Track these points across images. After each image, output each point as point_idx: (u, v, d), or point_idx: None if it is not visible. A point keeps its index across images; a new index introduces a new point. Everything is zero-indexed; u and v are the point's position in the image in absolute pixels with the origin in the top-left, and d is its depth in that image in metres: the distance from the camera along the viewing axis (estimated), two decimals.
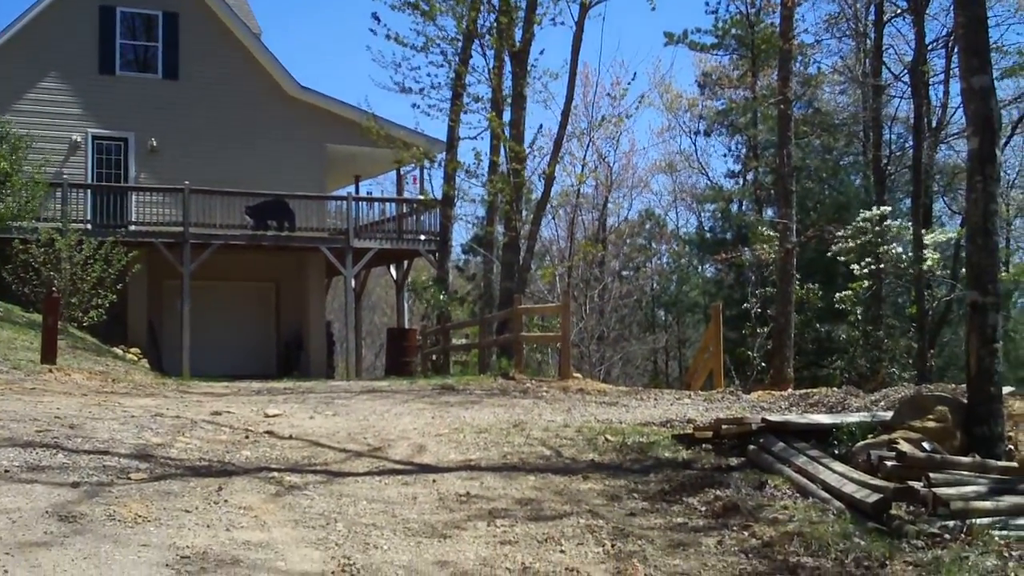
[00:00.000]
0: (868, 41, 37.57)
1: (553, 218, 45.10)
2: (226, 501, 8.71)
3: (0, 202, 23.40)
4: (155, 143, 32.73)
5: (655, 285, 58.54)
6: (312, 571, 7.17)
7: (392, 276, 37.38)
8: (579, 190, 38.08)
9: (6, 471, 9.16)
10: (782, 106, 26.48)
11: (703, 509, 9.22)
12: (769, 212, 46.85)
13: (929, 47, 32.18)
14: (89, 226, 28.19)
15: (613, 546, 8.00)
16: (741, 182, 55.85)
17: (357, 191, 38.55)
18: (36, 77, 31.89)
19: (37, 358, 17.78)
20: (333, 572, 7.16)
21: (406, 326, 34.72)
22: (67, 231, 24.27)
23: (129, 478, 9.24)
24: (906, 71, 33.54)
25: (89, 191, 30.43)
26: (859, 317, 28.60)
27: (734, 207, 54.64)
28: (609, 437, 11.92)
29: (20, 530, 7.56)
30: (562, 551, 7.90)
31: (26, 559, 6.97)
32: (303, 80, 35.23)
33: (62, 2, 32.23)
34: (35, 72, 31.86)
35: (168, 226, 30.20)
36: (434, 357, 30.39)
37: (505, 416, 13.88)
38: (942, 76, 36.75)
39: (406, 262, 35.70)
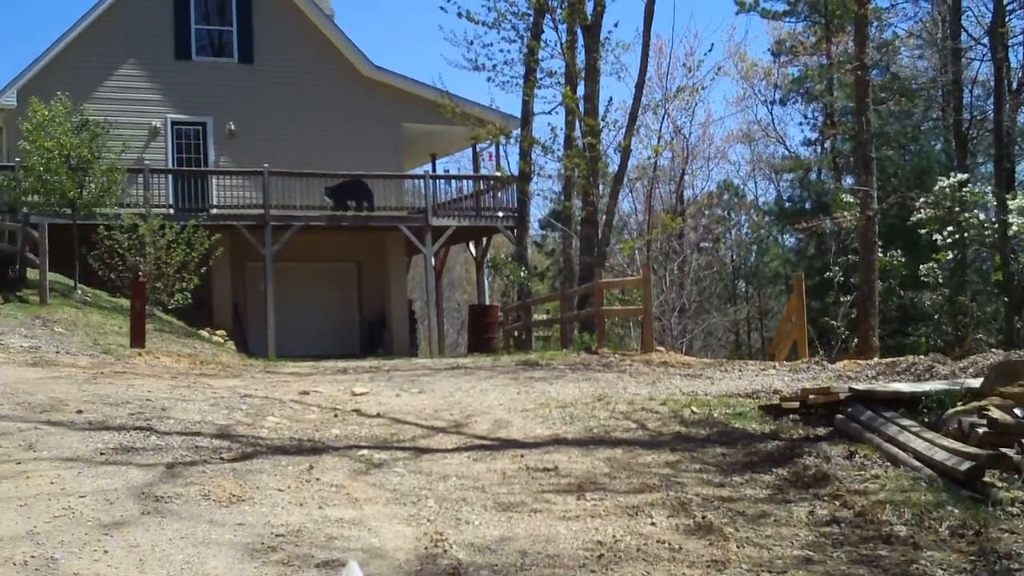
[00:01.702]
0: (946, 4, 36.97)
1: (630, 191, 45.01)
2: (317, 479, 8.81)
3: (83, 189, 23.67)
4: (233, 127, 33.01)
5: (735, 256, 58.21)
6: (405, 547, 7.23)
7: (471, 253, 37.44)
8: (656, 162, 37.96)
9: (101, 453, 9.34)
10: (859, 72, 26.10)
11: (792, 479, 9.18)
12: (848, 180, 46.36)
13: (1008, 8, 31.59)
14: (171, 211, 28.46)
15: (703, 517, 8.00)
16: (819, 150, 55.28)
17: (434, 169, 38.62)
18: (114, 64, 32.25)
19: (126, 342, 18.04)
20: (426, 548, 7.22)
21: (487, 303, 34.74)
22: (150, 216, 24.53)
23: (221, 458, 9.38)
24: (985, 34, 32.96)
25: (170, 176, 30.72)
26: (939, 283, 28.23)
27: (813, 175, 54.13)
28: (695, 409, 11.91)
29: (117, 510, 7.71)
30: (652, 523, 7.91)
31: (124, 539, 7.10)
32: (377, 60, 35.34)
33: None
34: (113, 59, 32.23)
35: (249, 209, 30.44)
36: (516, 333, 30.44)
37: (589, 390, 13.90)
38: (1022, 38, 36.09)
39: (485, 239, 35.72)
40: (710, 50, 69.39)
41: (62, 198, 23.45)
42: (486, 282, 35.83)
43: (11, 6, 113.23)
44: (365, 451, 9.89)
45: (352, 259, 34.87)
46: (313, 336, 32.26)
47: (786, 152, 57.22)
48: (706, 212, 55.70)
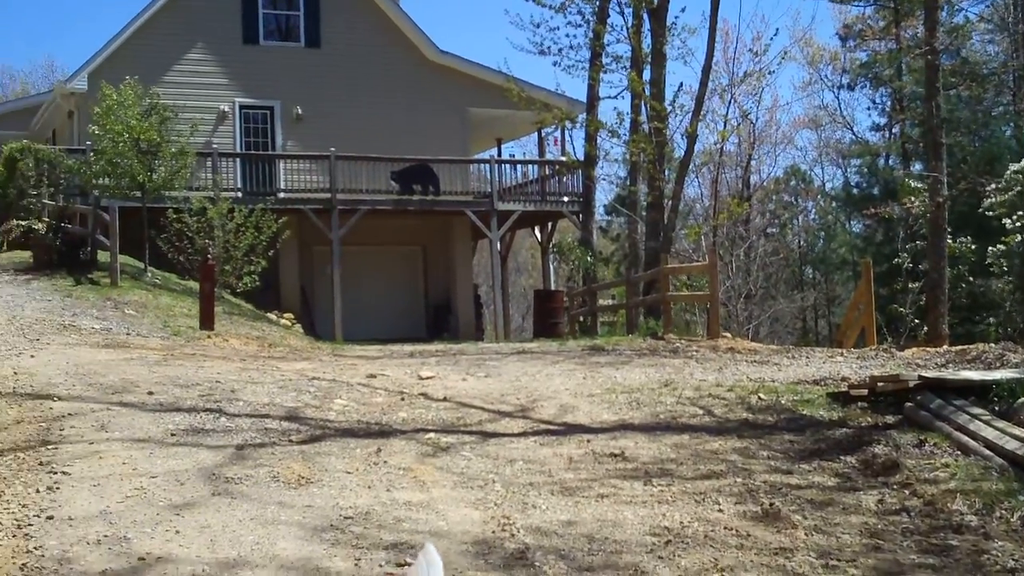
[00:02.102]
0: None
1: (696, 176, 44.74)
2: (385, 462, 8.87)
3: (152, 172, 23.87)
4: (300, 111, 33.19)
5: (802, 242, 57.80)
6: (473, 531, 7.27)
7: (537, 238, 37.42)
8: (722, 147, 37.72)
9: (172, 434, 9.46)
10: (929, 56, 25.79)
11: (861, 467, 9.14)
12: (917, 166, 45.85)
13: None
14: (239, 194, 28.68)
15: (771, 504, 7.98)
16: (887, 136, 54.72)
17: (499, 154, 38.62)
18: (183, 49, 32.52)
19: (196, 324, 18.22)
20: (494, 532, 7.25)
21: (552, 288, 34.71)
22: (218, 199, 24.73)
23: (290, 440, 9.47)
24: None
25: (238, 160, 30.94)
26: (1004, 270, 27.83)
27: (881, 161, 53.59)
28: (762, 396, 11.86)
29: (188, 491, 7.81)
30: (720, 509, 7.90)
31: (195, 520, 7.20)
32: (443, 45, 35.39)
33: None
34: (182, 44, 32.50)
35: (316, 192, 30.60)
36: (581, 318, 30.39)
37: (656, 376, 13.87)
38: None
39: (550, 224, 35.68)
40: (775, 35, 68.90)
41: (132, 181, 23.67)
42: (551, 267, 35.80)
43: None
44: (432, 434, 9.94)
45: (418, 243, 34.98)
46: (379, 320, 32.41)
47: (854, 138, 56.72)
48: (772, 197, 55.38)
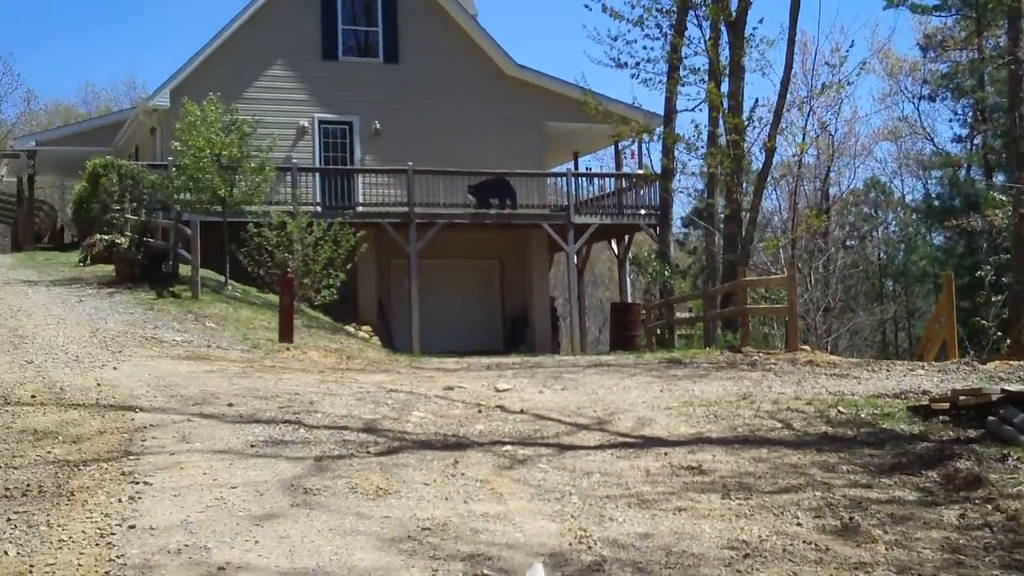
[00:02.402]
0: None
1: (774, 189, 44.40)
2: (462, 474, 8.89)
3: (233, 187, 24.14)
4: (378, 126, 33.43)
5: (882, 255, 57.24)
6: (549, 543, 7.26)
7: (613, 251, 37.35)
8: (800, 160, 37.37)
9: (252, 446, 9.55)
10: (1012, 66, 25.50)
11: (942, 482, 9.01)
12: (1000, 177, 45.30)
13: None
14: (318, 208, 28.91)
15: (850, 519, 7.89)
16: (969, 147, 54.08)
17: (576, 167, 38.65)
18: (263, 65, 32.90)
19: (275, 337, 18.39)
20: (570, 544, 7.24)
21: (629, 300, 34.65)
22: (298, 213, 24.93)
23: (367, 452, 9.52)
24: None
25: (317, 174, 31.20)
26: None
27: (962, 173, 52.97)
28: (841, 409, 11.75)
29: (267, 502, 7.88)
30: (798, 523, 7.83)
31: (274, 530, 7.26)
32: (520, 59, 35.50)
33: None
34: (262, 60, 32.88)
35: (394, 206, 30.77)
36: (658, 331, 30.29)
37: (733, 389, 13.79)
38: None
39: (627, 237, 35.61)
40: (852, 46, 68.20)
41: (213, 196, 23.95)
42: (628, 280, 35.73)
43: (167, 9, 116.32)
44: (509, 447, 9.95)
45: (495, 256, 35.07)
46: (456, 332, 32.52)
47: (934, 149, 56.14)
48: (852, 210, 54.86)
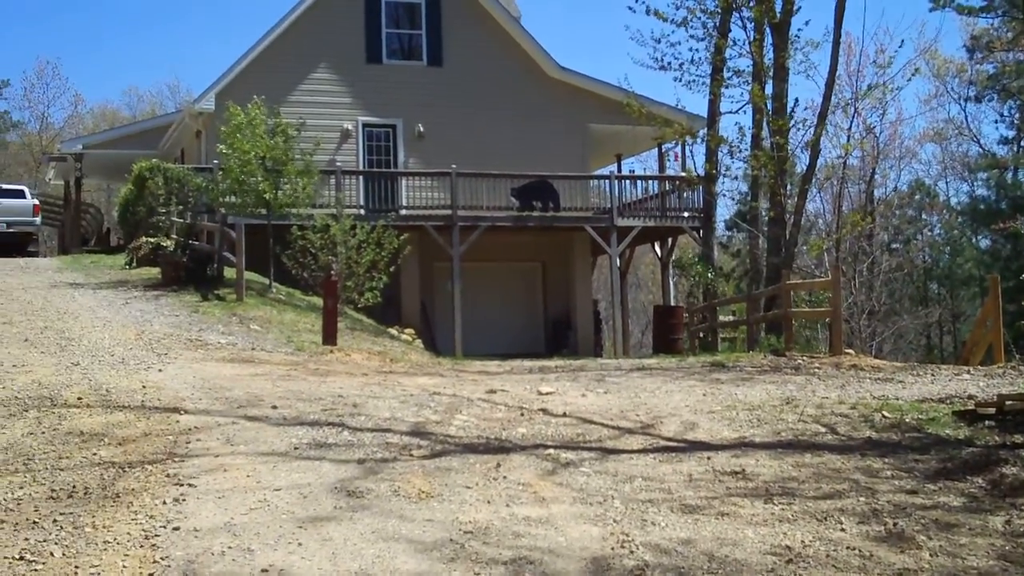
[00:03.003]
0: None
1: (818, 191, 44.20)
2: (505, 477, 8.90)
3: (278, 190, 24.26)
4: (422, 128, 33.54)
5: (926, 257, 56.89)
6: (592, 547, 7.26)
7: (656, 254, 37.29)
8: (845, 162, 37.19)
9: (295, 448, 9.60)
10: None
11: (988, 488, 8.94)
12: None
13: None
14: (362, 211, 29.03)
15: (895, 524, 7.85)
16: (1016, 149, 53.66)
17: (619, 170, 38.64)
18: (307, 69, 33.08)
19: (319, 340, 18.46)
20: (612, 549, 7.24)
21: (672, 304, 34.58)
22: (341, 216, 25.02)
23: (411, 455, 9.55)
24: None
25: (361, 177, 31.33)
26: None
27: (1009, 175, 52.56)
28: (886, 414, 11.68)
29: (311, 504, 7.92)
30: (842, 529, 7.80)
31: (317, 532, 7.30)
32: (562, 61, 35.52)
33: None
34: (306, 64, 33.06)
35: (437, 209, 30.85)
36: (701, 334, 30.23)
37: (777, 393, 13.74)
38: None
39: (670, 239, 35.53)
40: (901, 46, 67.73)
41: (258, 199, 24.08)
42: (671, 283, 35.64)
43: (209, 13, 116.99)
44: (552, 450, 9.95)
45: (538, 259, 35.10)
46: (499, 335, 32.57)
47: (980, 151, 55.74)
48: (896, 212, 54.57)
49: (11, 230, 34.60)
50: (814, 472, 9.40)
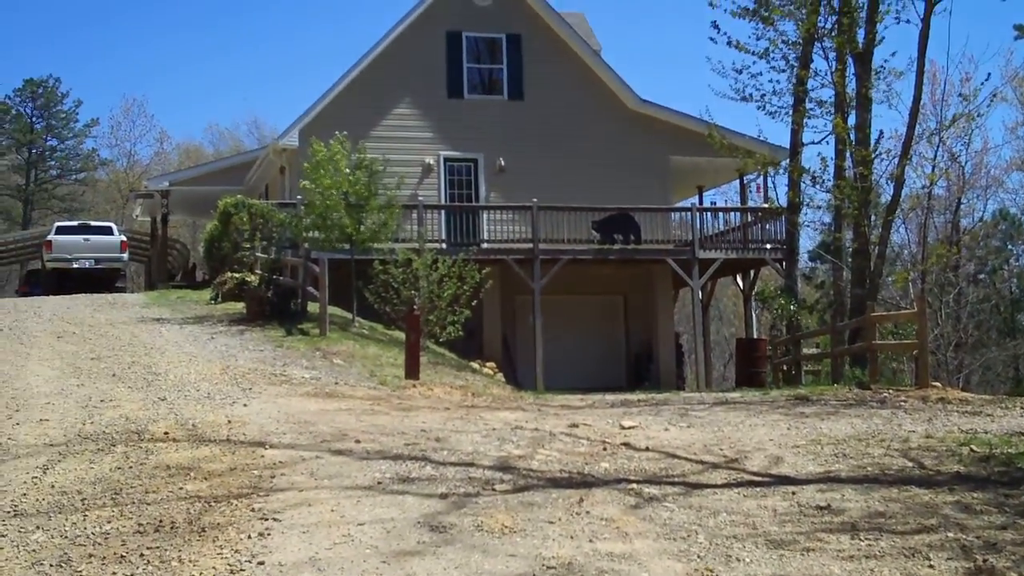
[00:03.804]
0: None
1: (903, 221, 43.81)
2: (587, 512, 8.87)
3: (360, 225, 24.43)
4: (503, 162, 33.68)
5: (1014, 288, 56.00)
6: None
7: (738, 286, 37.08)
8: (930, 192, 36.84)
9: (379, 483, 9.63)
10: None
11: None
12: None
13: None
14: (443, 245, 29.16)
15: (984, 560, 7.72)
16: None
17: (701, 201, 38.54)
18: (390, 104, 33.39)
19: (401, 374, 18.52)
20: None
21: (755, 336, 34.36)
22: (423, 251, 25.12)
23: (493, 489, 9.54)
24: None
25: (443, 212, 31.50)
26: None
27: None
28: (974, 448, 11.52)
29: (394, 539, 7.94)
30: (931, 565, 7.68)
31: (401, 567, 7.31)
32: (642, 93, 35.54)
33: (411, 31, 33.66)
34: (388, 100, 33.38)
35: (518, 243, 30.89)
36: (784, 367, 29.99)
37: (862, 427, 13.59)
38: None
39: (752, 271, 35.33)
40: (987, 79, 66.88)
41: (341, 234, 24.27)
42: (754, 315, 35.41)
43: (293, 51, 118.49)
44: (635, 485, 9.90)
45: (619, 292, 35.03)
46: (580, 369, 32.52)
47: None
48: (982, 242, 53.81)
49: (100, 266, 35.23)
50: (901, 507, 9.28)
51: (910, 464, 10.98)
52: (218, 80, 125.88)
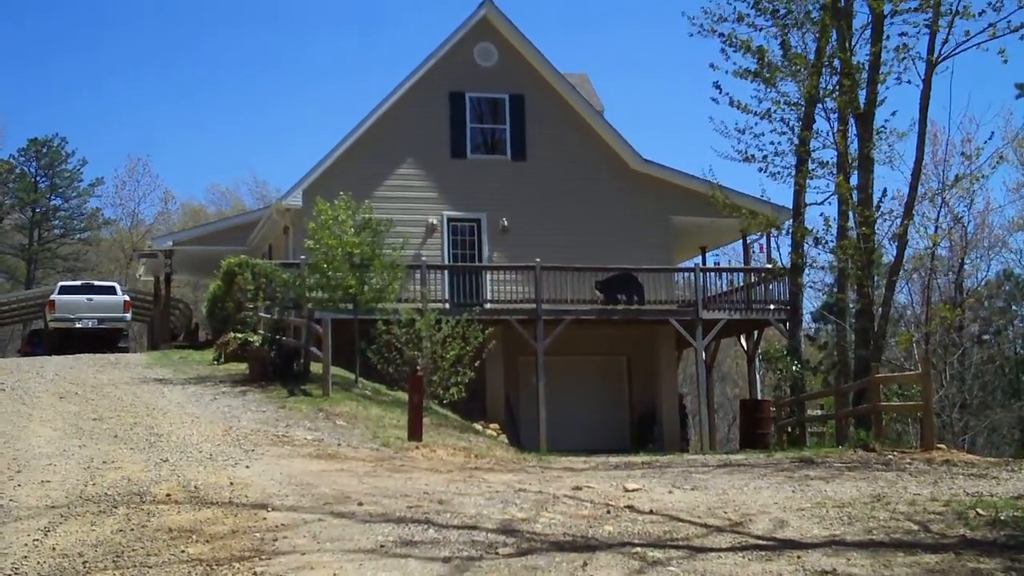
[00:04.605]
0: None
1: (907, 282, 43.83)
2: None
3: (364, 285, 24.43)
4: (506, 222, 33.75)
5: (1018, 349, 55.90)
6: None
7: (742, 346, 37.04)
8: (933, 252, 36.85)
9: (381, 546, 9.58)
10: None
11: None
12: None
13: None
14: (446, 305, 29.15)
15: None
16: None
17: (704, 262, 38.58)
18: (393, 165, 33.52)
19: (404, 435, 18.47)
20: None
21: (759, 397, 34.27)
22: (426, 311, 25.11)
23: (497, 553, 9.49)
24: None
25: (446, 272, 31.50)
26: None
27: None
28: (980, 511, 11.46)
29: None
30: None
31: None
32: (645, 152, 35.67)
33: (414, 91, 33.84)
34: (392, 160, 33.51)
35: (521, 303, 30.90)
36: (789, 429, 29.89)
37: (868, 489, 13.53)
38: None
39: (756, 332, 35.30)
40: (990, 138, 66.91)
41: (344, 294, 24.27)
42: (757, 376, 35.34)
43: (296, 111, 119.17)
44: (639, 548, 9.84)
45: (622, 353, 34.97)
46: (583, 430, 32.41)
47: None
48: (986, 303, 53.79)
49: (103, 326, 35.27)
50: (907, 572, 9.21)
51: (916, 527, 10.92)
52: (221, 140, 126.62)
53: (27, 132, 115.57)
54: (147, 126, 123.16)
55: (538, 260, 30.58)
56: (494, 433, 25.52)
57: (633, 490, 13.35)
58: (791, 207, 30.66)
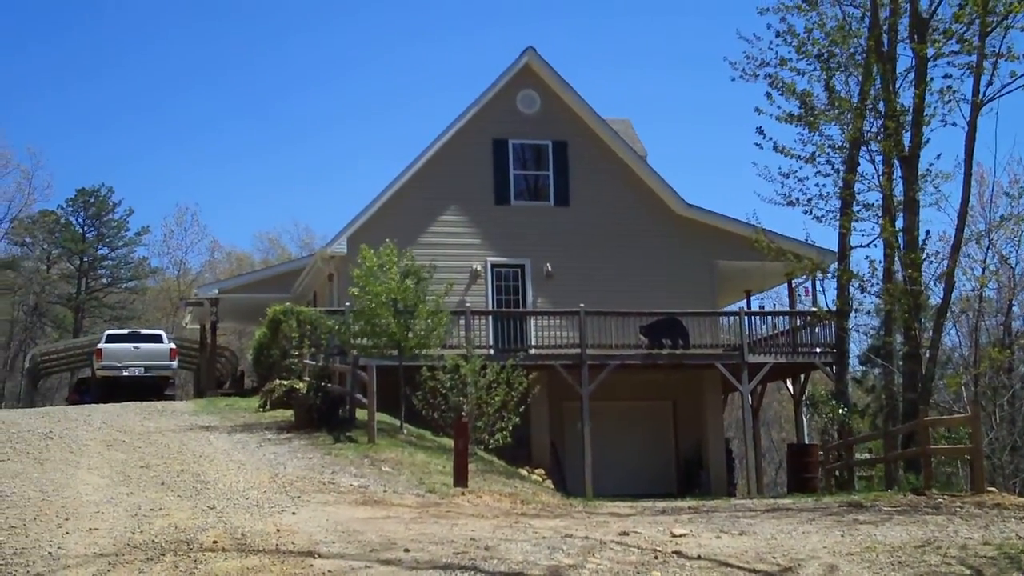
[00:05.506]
0: None
1: (954, 324, 43.50)
2: None
3: (409, 331, 24.50)
4: (550, 268, 33.79)
5: None
6: None
7: (788, 390, 36.82)
8: (980, 294, 36.59)
9: None
10: None
11: None
12: None
13: None
14: (491, 351, 29.16)
15: None
16: None
17: (749, 305, 38.45)
18: (437, 211, 33.68)
19: (449, 481, 18.44)
20: None
21: (806, 441, 34.01)
22: (471, 357, 25.11)
23: None
24: None
25: (490, 318, 31.52)
26: None
27: None
28: None
29: None
30: None
31: None
32: (688, 197, 35.65)
33: (458, 138, 34.04)
34: (436, 207, 33.67)
35: (566, 348, 30.85)
36: (836, 473, 29.64)
37: (918, 533, 13.39)
38: None
39: (802, 376, 35.07)
40: None
41: (389, 340, 24.34)
42: (804, 420, 35.09)
43: (344, 163, 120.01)
44: None
45: (668, 397, 34.85)
46: (629, 475, 32.28)
47: None
48: None
49: (149, 374, 35.50)
50: None
51: (968, 572, 10.80)
52: (266, 189, 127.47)
53: (74, 183, 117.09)
54: (193, 176, 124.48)
55: (582, 305, 30.57)
56: (539, 478, 25.41)
57: (680, 535, 13.27)
58: (836, 250, 30.55)
